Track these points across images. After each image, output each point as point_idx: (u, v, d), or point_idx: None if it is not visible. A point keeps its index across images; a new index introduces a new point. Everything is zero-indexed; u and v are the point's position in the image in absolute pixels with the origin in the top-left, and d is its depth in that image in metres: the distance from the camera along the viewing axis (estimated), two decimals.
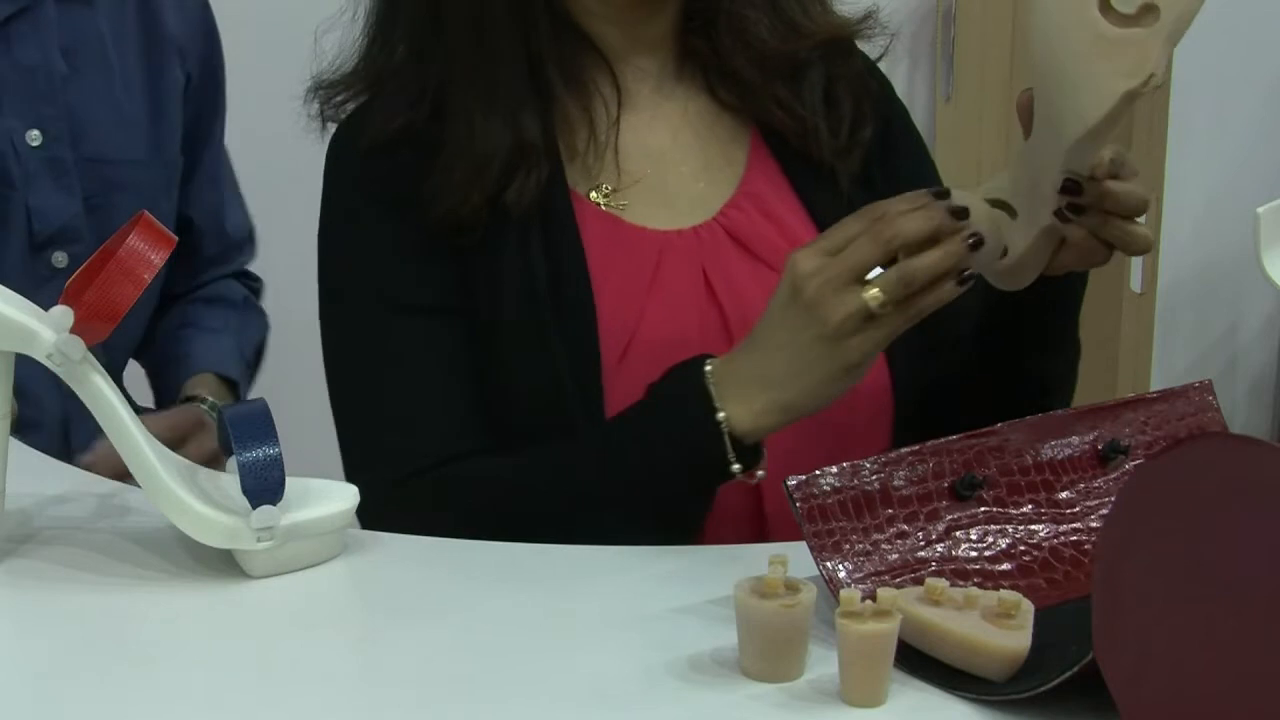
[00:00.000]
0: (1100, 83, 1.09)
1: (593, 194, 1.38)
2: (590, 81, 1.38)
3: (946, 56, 3.09)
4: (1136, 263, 3.19)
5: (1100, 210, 1.18)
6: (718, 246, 1.38)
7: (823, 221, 1.40)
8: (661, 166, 1.41)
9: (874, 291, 1.15)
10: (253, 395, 1.18)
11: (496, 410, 1.33)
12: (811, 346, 1.18)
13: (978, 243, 1.16)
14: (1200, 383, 1.23)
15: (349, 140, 1.39)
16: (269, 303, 2.57)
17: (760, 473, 1.23)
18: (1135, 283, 3.20)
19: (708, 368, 1.23)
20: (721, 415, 1.21)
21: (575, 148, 1.37)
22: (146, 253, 1.11)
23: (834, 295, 1.16)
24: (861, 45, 1.47)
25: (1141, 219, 1.20)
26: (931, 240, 1.15)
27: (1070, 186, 1.16)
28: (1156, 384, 3.26)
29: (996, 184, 1.23)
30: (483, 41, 1.34)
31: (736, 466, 1.22)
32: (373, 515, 1.30)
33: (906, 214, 1.15)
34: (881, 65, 1.50)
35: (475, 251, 1.34)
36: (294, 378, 2.33)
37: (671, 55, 1.44)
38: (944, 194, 1.17)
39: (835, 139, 1.42)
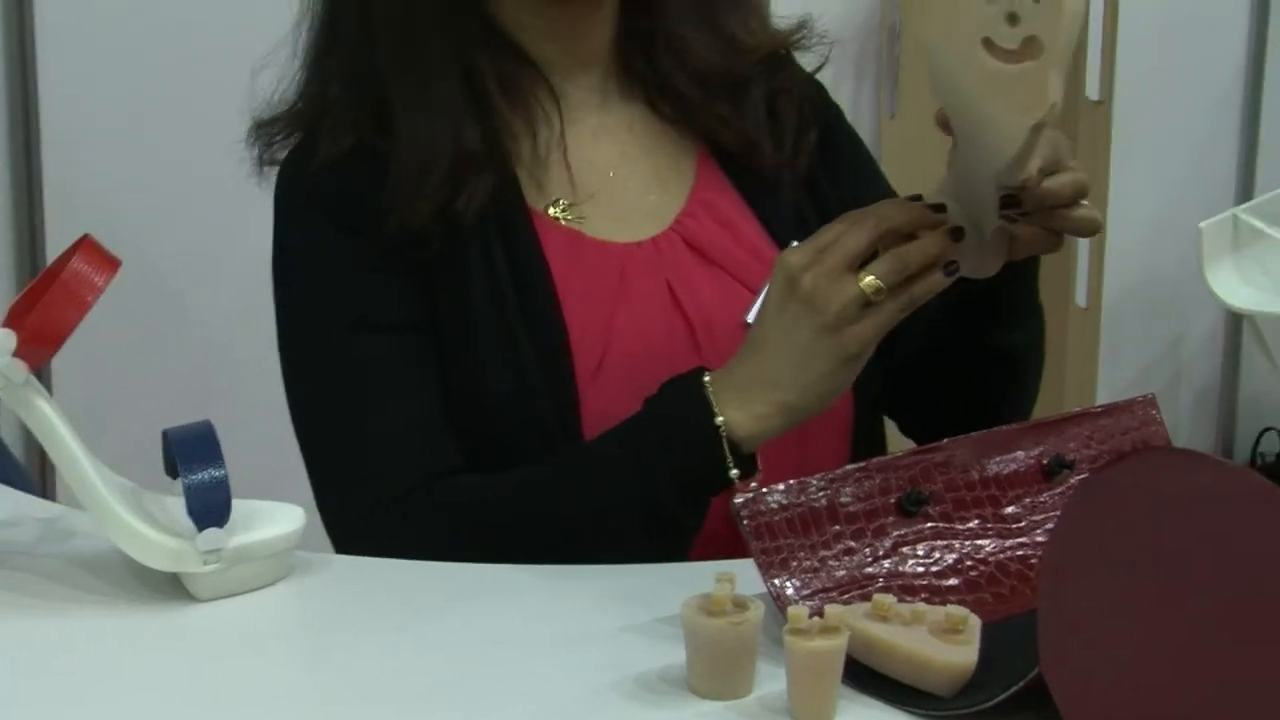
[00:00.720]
0: (1005, 121, 1.10)
1: (550, 209, 1.38)
2: (530, 95, 1.39)
3: (890, 73, 3.10)
4: (1081, 277, 3.21)
5: (1047, 208, 1.19)
6: (677, 256, 1.39)
7: (773, 227, 1.41)
8: (612, 180, 1.42)
9: (869, 278, 1.17)
10: (198, 417, 1.17)
11: (467, 425, 1.32)
12: (810, 341, 1.19)
13: (959, 234, 1.19)
14: (1144, 396, 1.24)
15: (298, 167, 1.38)
16: (212, 327, 2.57)
17: (754, 484, 1.21)
18: (1080, 297, 3.22)
19: (705, 378, 1.23)
20: (720, 420, 1.21)
21: (521, 158, 1.37)
22: (90, 275, 1.10)
23: (830, 284, 1.17)
24: (803, 56, 1.48)
25: (1085, 201, 1.21)
26: (914, 236, 1.18)
27: (1009, 202, 1.18)
28: (1102, 397, 3.28)
29: (940, 190, 1.24)
30: (415, 57, 1.34)
31: (735, 472, 1.22)
32: (349, 541, 1.30)
33: (890, 206, 1.19)
34: (825, 80, 1.51)
35: (437, 267, 1.33)
36: (239, 397, 2.32)
37: (612, 71, 1.44)
38: (918, 198, 1.20)
39: (779, 151, 1.43)
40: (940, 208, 1.19)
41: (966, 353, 1.38)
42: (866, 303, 1.17)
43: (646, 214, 1.41)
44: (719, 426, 1.21)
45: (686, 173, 1.44)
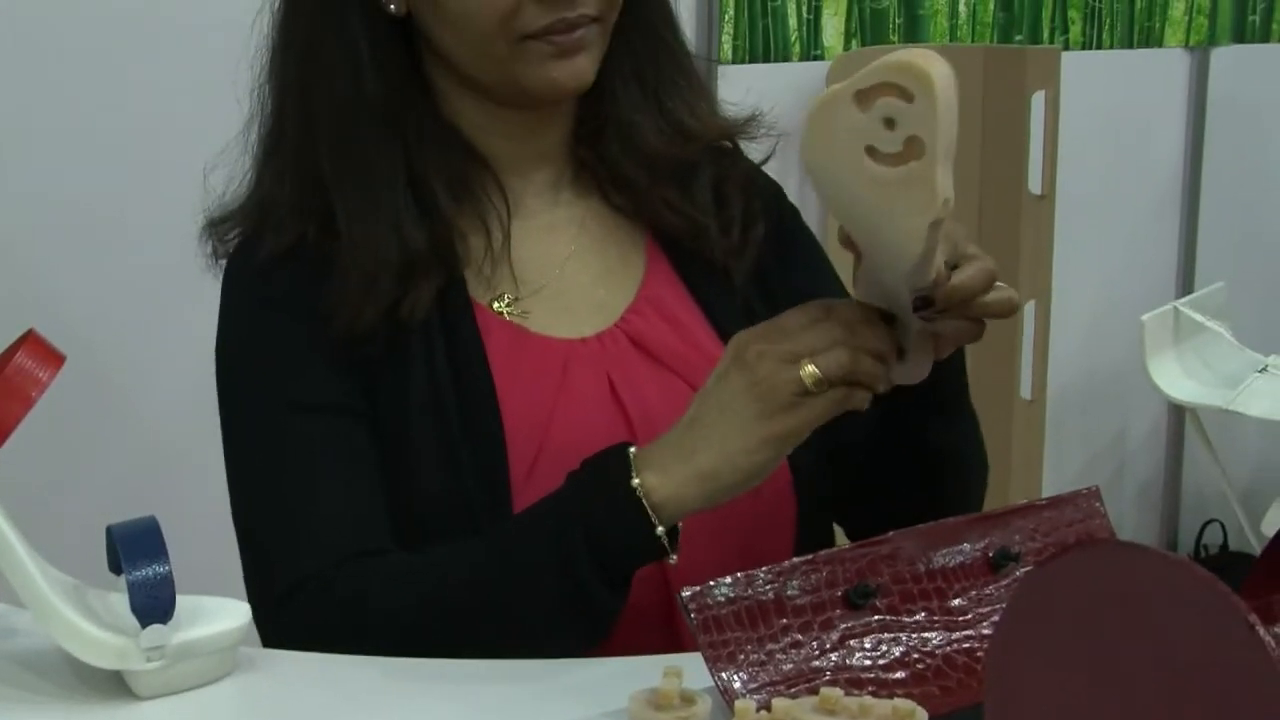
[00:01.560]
0: (901, 223, 1.09)
1: (495, 304, 1.39)
2: (481, 192, 1.39)
3: None
4: (1026, 371, 3.22)
5: (958, 301, 1.20)
6: (621, 353, 1.39)
7: (718, 322, 1.42)
8: (561, 275, 1.42)
9: (811, 368, 1.16)
10: (142, 513, 1.16)
11: (402, 523, 1.32)
12: (742, 416, 1.18)
13: (902, 354, 1.20)
14: (1088, 489, 1.25)
15: (245, 258, 1.39)
16: (157, 423, 2.55)
17: (673, 558, 1.21)
18: (1025, 390, 3.24)
19: (631, 449, 1.22)
20: (636, 483, 1.19)
21: (471, 257, 1.38)
22: (35, 371, 1.10)
23: (773, 364, 1.17)
24: (749, 147, 1.49)
25: (998, 285, 1.21)
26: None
27: (922, 304, 1.18)
28: (1047, 490, 3.29)
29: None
30: (359, 164, 1.35)
31: (660, 530, 1.19)
32: (269, 627, 1.28)
33: (860, 325, 1.18)
34: (772, 171, 1.52)
35: (378, 363, 1.33)
36: (184, 493, 2.30)
37: (566, 165, 1.45)
38: (890, 318, 1.19)
39: (727, 238, 1.43)
40: (902, 353, 1.20)
41: (906, 456, 1.38)
42: (805, 391, 1.17)
43: (594, 309, 1.41)
44: (635, 489, 1.19)
45: (636, 267, 1.44)
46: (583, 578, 1.20)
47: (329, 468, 1.32)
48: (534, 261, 1.41)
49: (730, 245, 1.43)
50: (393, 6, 1.34)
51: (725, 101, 1.50)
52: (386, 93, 1.35)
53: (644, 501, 1.19)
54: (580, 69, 1.33)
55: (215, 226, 1.42)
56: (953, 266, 1.18)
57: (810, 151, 1.11)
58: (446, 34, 1.34)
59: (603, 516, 1.20)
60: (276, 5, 1.39)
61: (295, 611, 1.27)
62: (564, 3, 1.30)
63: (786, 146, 1.49)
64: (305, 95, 1.37)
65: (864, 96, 1.07)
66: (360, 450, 1.33)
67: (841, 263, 1.30)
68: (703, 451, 1.19)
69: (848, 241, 1.19)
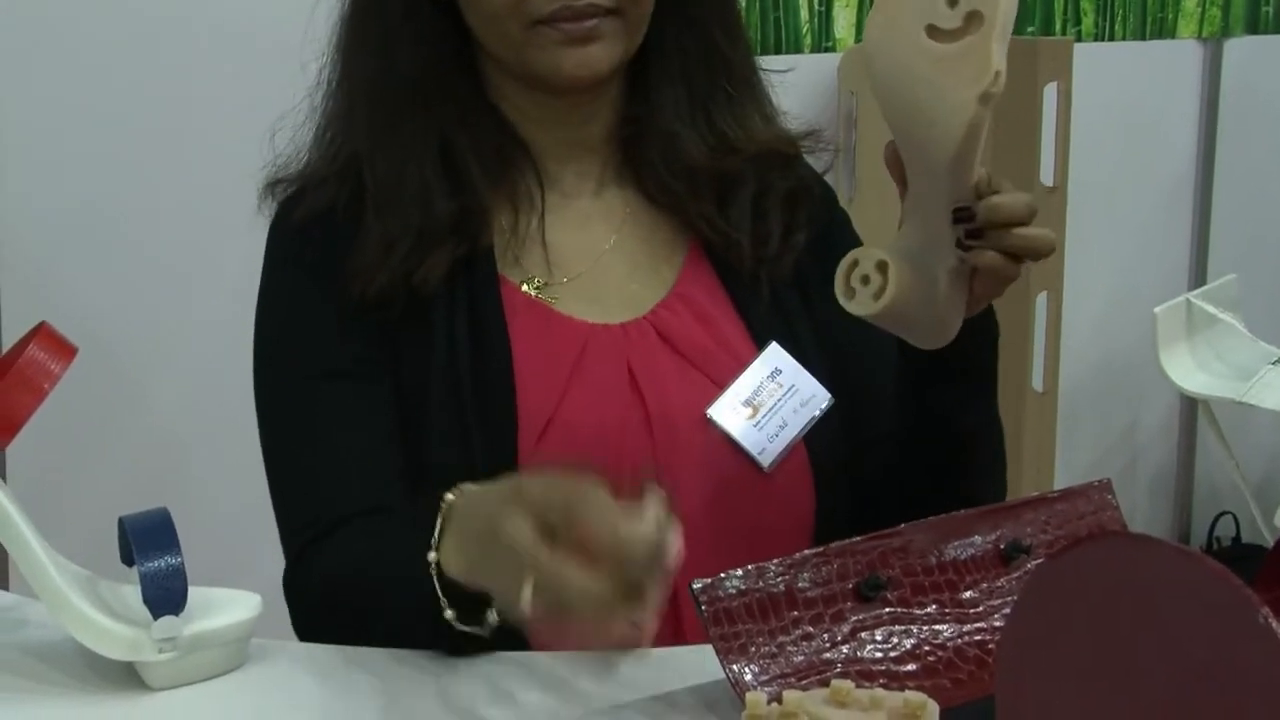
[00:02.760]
0: (951, 97, 1.12)
1: (525, 285, 1.39)
2: (516, 175, 1.40)
3: (848, 160, 3.13)
4: (1038, 363, 3.22)
5: (996, 227, 1.19)
6: (645, 343, 1.39)
7: (755, 328, 1.41)
8: (597, 265, 1.42)
9: (527, 593, 1.01)
10: (154, 504, 1.17)
11: (417, 484, 1.32)
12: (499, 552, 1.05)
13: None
14: (1099, 482, 1.25)
15: (284, 217, 1.42)
16: (169, 414, 2.56)
17: (483, 627, 1.14)
18: (1037, 382, 3.24)
19: (450, 497, 1.17)
20: (433, 556, 1.15)
21: (500, 232, 1.39)
22: (47, 363, 1.10)
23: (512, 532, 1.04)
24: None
25: (1033, 224, 1.21)
26: None
27: (963, 215, 1.18)
28: (1059, 482, 3.28)
29: (893, 246, 1.23)
30: (391, 137, 1.37)
31: (449, 613, 1.15)
32: (289, 591, 1.31)
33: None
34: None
35: (401, 329, 1.35)
36: (196, 484, 2.31)
37: (611, 158, 1.45)
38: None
39: (761, 250, 1.42)
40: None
41: (934, 446, 1.37)
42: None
43: (625, 301, 1.41)
44: (430, 564, 1.15)
45: (673, 265, 1.44)
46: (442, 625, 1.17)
47: (337, 431, 1.34)
48: (569, 248, 1.41)
49: (764, 257, 1.42)
50: None
51: (787, 114, 1.49)
52: (423, 70, 1.37)
53: (435, 581, 1.15)
54: (591, 58, 1.34)
55: (272, 187, 1.44)
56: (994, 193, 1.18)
57: (874, 29, 1.15)
58: (471, 16, 1.36)
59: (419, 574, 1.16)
60: None
61: (301, 574, 1.31)
62: None
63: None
64: (347, 68, 1.40)
65: None
66: (373, 412, 1.34)
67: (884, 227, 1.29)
68: (480, 554, 1.11)
69: (894, 161, 1.20)
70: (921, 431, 1.37)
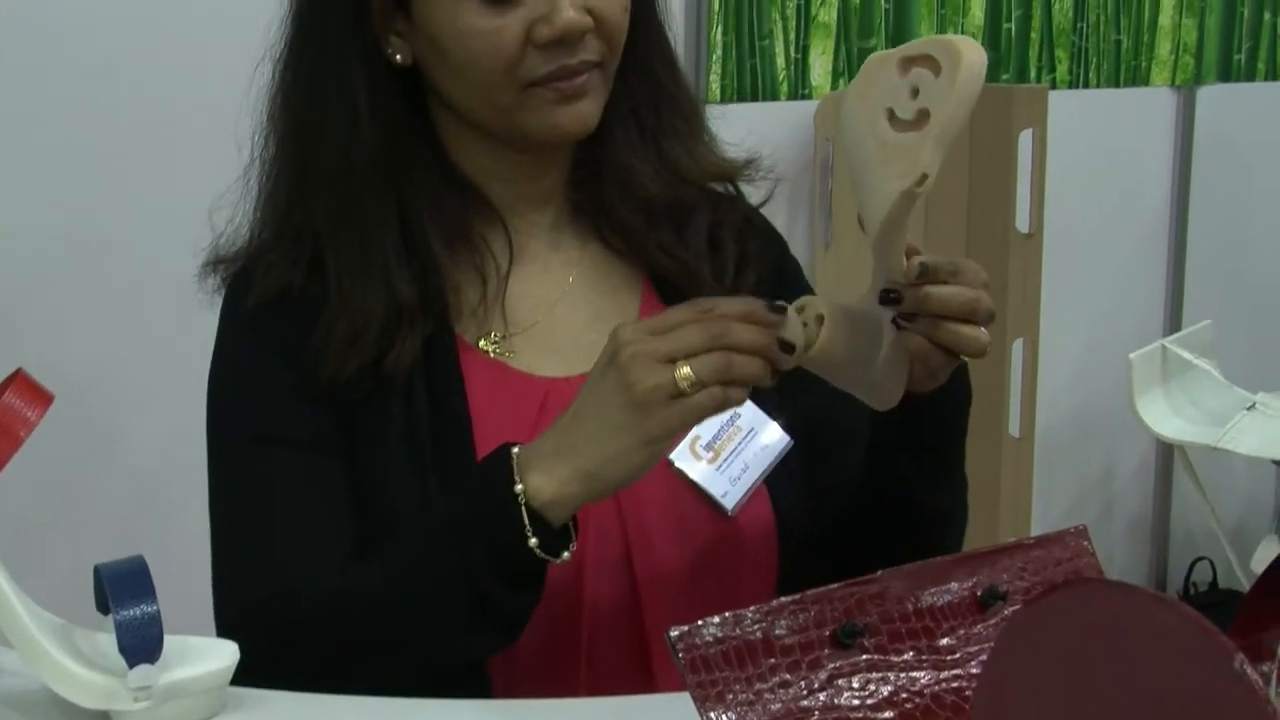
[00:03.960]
0: (882, 185, 1.15)
1: (481, 342, 1.39)
2: (479, 238, 1.39)
3: (825, 206, 3.14)
4: (1014, 409, 3.23)
5: (930, 315, 1.20)
6: None
7: None
8: (552, 316, 1.42)
9: (685, 370, 1.16)
10: (130, 552, 1.16)
11: (373, 553, 1.32)
12: (616, 413, 1.18)
13: (789, 348, 1.19)
14: (1075, 528, 1.25)
15: (237, 297, 1.40)
16: (145, 462, 2.55)
17: (566, 554, 1.21)
18: (1013, 427, 3.24)
19: (514, 449, 1.22)
20: (519, 488, 1.20)
21: (465, 305, 1.38)
22: (23, 410, 1.10)
23: (646, 366, 1.17)
24: (746, 189, 1.50)
25: (980, 322, 1.22)
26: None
27: (888, 297, 1.20)
28: (1036, 528, 3.29)
29: (860, 299, 1.26)
30: (351, 214, 1.36)
31: (534, 541, 1.20)
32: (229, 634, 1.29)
33: (740, 321, 1.18)
34: (763, 210, 1.53)
35: (361, 404, 1.34)
36: (172, 532, 2.30)
37: (564, 207, 1.45)
38: (780, 309, 1.19)
39: (719, 282, 1.43)
40: (789, 346, 1.19)
41: (891, 507, 1.38)
42: (680, 393, 1.17)
43: (582, 351, 1.41)
44: (519, 494, 1.20)
45: (629, 311, 1.44)
46: (485, 587, 1.21)
47: (288, 501, 1.33)
48: (525, 301, 1.41)
49: (722, 289, 1.43)
50: (398, 57, 1.36)
51: (726, 143, 1.50)
52: (384, 143, 1.36)
53: (523, 509, 1.19)
54: (584, 113, 1.35)
55: (213, 267, 1.43)
56: (938, 282, 1.19)
57: (846, 103, 1.18)
58: (452, 83, 1.35)
59: (492, 525, 1.20)
60: (279, 53, 1.40)
61: (241, 641, 1.28)
62: (565, 49, 1.31)
63: (778, 195, 1.50)
64: (301, 144, 1.38)
65: (907, 64, 1.15)
66: (326, 484, 1.34)
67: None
68: (583, 450, 1.20)
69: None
70: (879, 493, 1.38)
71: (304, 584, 1.28)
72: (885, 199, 1.14)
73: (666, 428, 1.18)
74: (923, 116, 1.13)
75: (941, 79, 1.12)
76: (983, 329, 1.22)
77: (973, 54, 1.12)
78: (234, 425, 1.37)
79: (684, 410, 1.17)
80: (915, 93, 1.13)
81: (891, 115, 1.14)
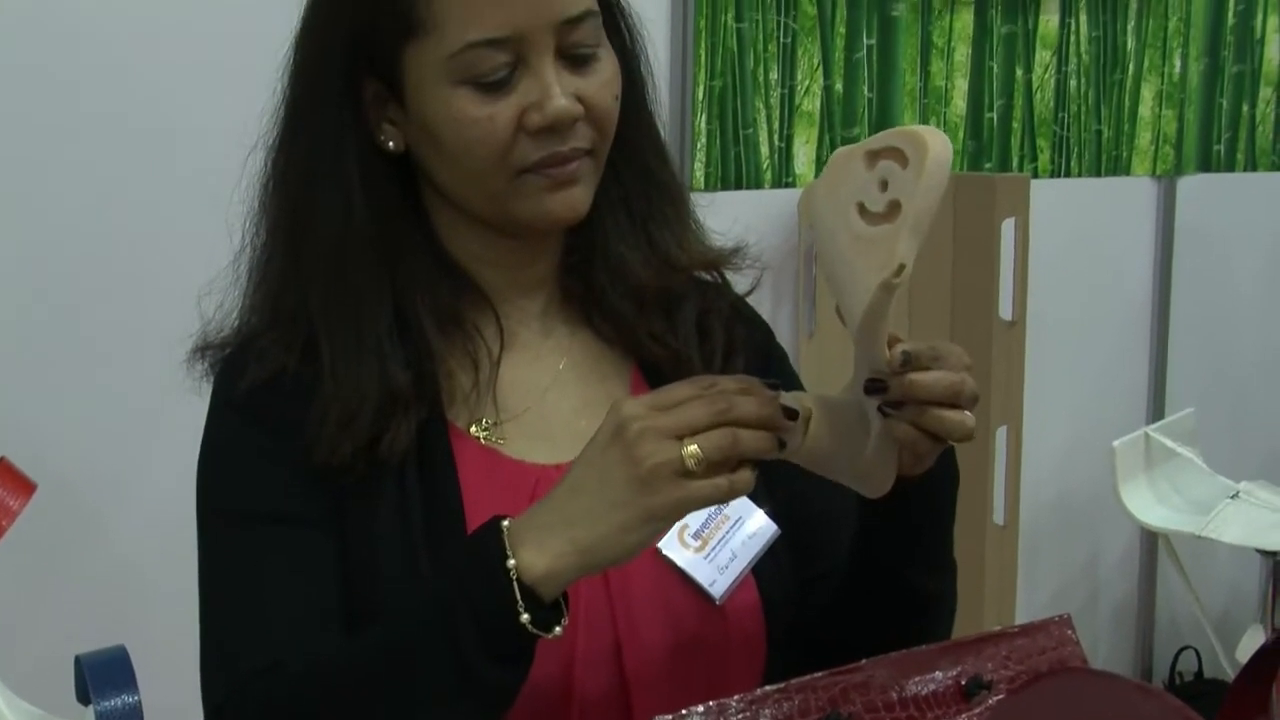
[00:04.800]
0: (859, 279, 1.15)
1: (473, 428, 1.39)
2: (471, 325, 1.40)
3: (809, 294, 3.15)
4: (999, 496, 3.23)
5: (915, 402, 1.20)
6: None
7: None
8: (543, 403, 1.42)
9: (693, 448, 1.15)
10: (111, 642, 1.16)
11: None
12: (619, 488, 1.17)
13: (792, 414, 1.19)
14: (1060, 617, 1.25)
15: (229, 382, 1.40)
16: (128, 551, 2.54)
17: (558, 629, 1.19)
18: (998, 515, 3.24)
19: (504, 522, 1.20)
20: (511, 563, 1.18)
21: (458, 390, 1.38)
22: (6, 499, 1.10)
23: (654, 442, 1.16)
24: (732, 277, 1.50)
25: (964, 406, 1.22)
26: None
27: (873, 386, 1.21)
28: (1021, 616, 3.28)
29: (844, 388, 1.26)
30: (345, 300, 1.36)
31: (525, 617, 1.18)
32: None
33: (743, 395, 1.18)
34: (752, 297, 1.53)
35: (353, 489, 1.34)
36: (154, 622, 2.29)
37: (555, 294, 1.46)
38: (777, 387, 1.20)
39: (708, 369, 1.44)
40: (794, 414, 1.20)
41: (881, 597, 1.38)
42: (687, 471, 1.16)
43: (573, 438, 1.41)
44: (510, 569, 1.18)
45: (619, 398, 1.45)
46: (473, 662, 1.19)
47: (276, 577, 1.32)
48: (516, 387, 1.42)
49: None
50: (391, 144, 1.37)
51: (714, 231, 1.51)
52: (377, 230, 1.36)
53: (515, 585, 1.18)
54: (575, 200, 1.35)
55: (202, 352, 1.43)
56: (921, 369, 1.20)
57: (816, 199, 1.18)
58: (445, 170, 1.36)
59: (481, 599, 1.19)
60: (271, 141, 1.41)
61: (234, 710, 1.28)
62: (557, 136, 1.32)
63: (763, 283, 1.51)
64: (295, 230, 1.39)
65: (873, 157, 1.16)
66: (314, 560, 1.33)
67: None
68: (580, 525, 1.18)
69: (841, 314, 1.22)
70: (868, 578, 1.38)
71: (291, 658, 1.27)
72: (864, 292, 1.15)
73: (669, 508, 1.17)
74: (894, 208, 1.14)
75: (909, 170, 1.13)
76: (968, 413, 1.23)
77: (938, 143, 1.13)
78: (222, 503, 1.37)
79: (691, 491, 1.16)
80: (884, 185, 1.14)
81: (862, 209, 1.15)
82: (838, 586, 1.41)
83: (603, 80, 1.35)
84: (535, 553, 1.18)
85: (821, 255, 1.20)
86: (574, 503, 1.19)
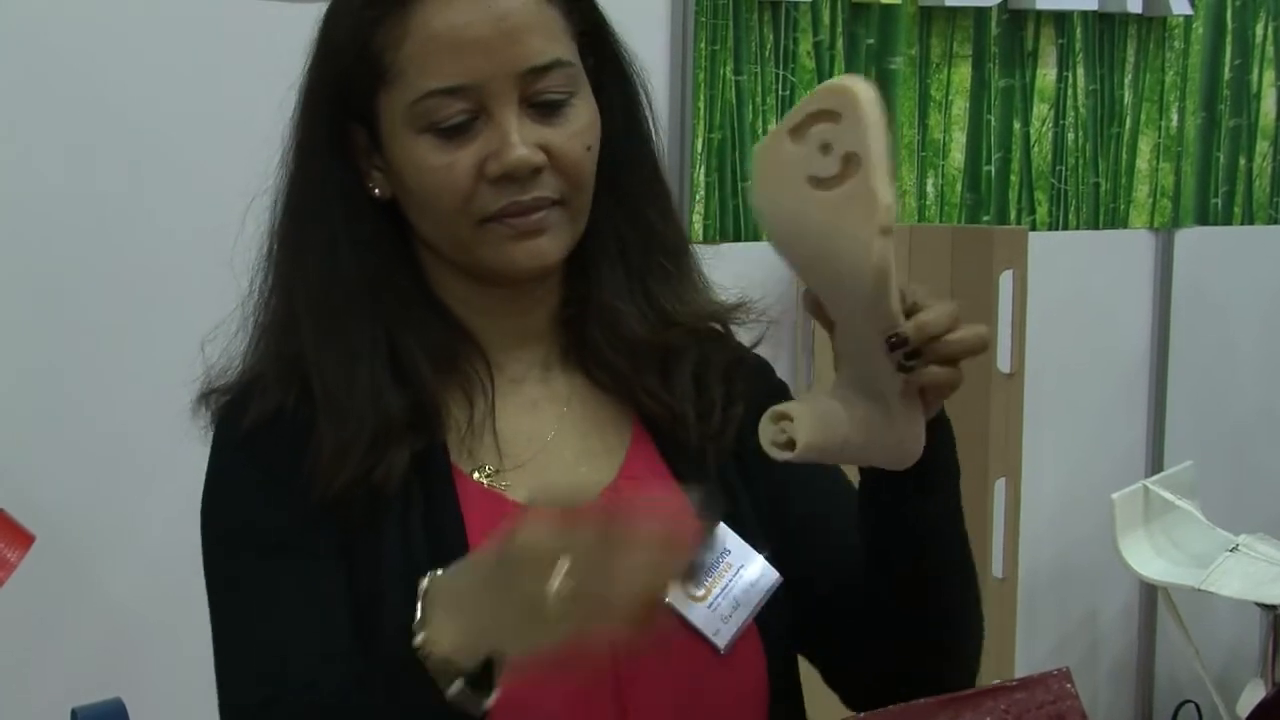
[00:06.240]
0: (852, 241, 1.13)
1: (476, 474, 1.39)
2: (466, 365, 1.40)
3: (806, 346, 3.15)
4: (998, 550, 3.22)
5: (929, 342, 1.21)
6: None
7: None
8: (544, 451, 1.42)
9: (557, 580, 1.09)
10: (110, 693, 1.15)
11: (370, 679, 1.31)
12: (524, 601, 1.11)
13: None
14: (1058, 670, 1.25)
15: (230, 424, 1.40)
16: (125, 602, 2.53)
17: (485, 703, 1.16)
18: (997, 569, 3.24)
19: (424, 583, 1.18)
20: (419, 639, 1.16)
21: (453, 425, 1.39)
22: (4, 552, 1.10)
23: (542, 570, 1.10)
24: (740, 332, 1.50)
25: (963, 326, 1.23)
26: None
27: (896, 341, 1.19)
28: (1019, 669, 3.27)
29: (836, 387, 1.25)
30: (337, 340, 1.36)
31: (456, 685, 1.15)
32: None
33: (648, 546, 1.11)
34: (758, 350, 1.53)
35: (358, 529, 1.34)
36: (151, 674, 2.29)
37: (554, 344, 1.46)
38: (711, 519, 1.17)
39: (705, 423, 1.43)
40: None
41: (900, 584, 1.37)
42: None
43: (574, 486, 1.41)
44: (417, 648, 1.16)
45: (620, 447, 1.44)
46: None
47: (282, 608, 1.33)
48: (519, 436, 1.42)
49: (708, 431, 1.43)
50: (377, 191, 1.38)
51: (718, 285, 1.51)
52: (368, 274, 1.37)
53: (425, 664, 1.16)
54: (540, 250, 1.36)
55: (206, 398, 1.43)
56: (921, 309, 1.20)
57: (759, 197, 1.17)
58: (419, 217, 1.38)
59: (404, 672, 1.18)
60: (274, 187, 1.42)
61: None
62: (516, 185, 1.33)
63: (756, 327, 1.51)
64: (291, 274, 1.40)
65: (798, 131, 1.14)
66: (321, 590, 1.33)
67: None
68: (488, 612, 1.15)
69: (815, 305, 1.22)
70: (889, 547, 1.36)
71: (297, 689, 1.27)
72: (864, 250, 1.13)
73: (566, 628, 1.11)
74: (849, 161, 1.13)
75: (846, 120, 1.12)
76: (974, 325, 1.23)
77: (859, 85, 1.13)
78: (226, 538, 1.37)
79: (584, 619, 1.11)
80: (826, 148, 1.13)
81: (815, 180, 1.14)
82: (861, 608, 1.40)
83: (573, 130, 1.35)
84: (445, 630, 1.16)
85: (793, 249, 1.18)
86: (482, 588, 1.16)
